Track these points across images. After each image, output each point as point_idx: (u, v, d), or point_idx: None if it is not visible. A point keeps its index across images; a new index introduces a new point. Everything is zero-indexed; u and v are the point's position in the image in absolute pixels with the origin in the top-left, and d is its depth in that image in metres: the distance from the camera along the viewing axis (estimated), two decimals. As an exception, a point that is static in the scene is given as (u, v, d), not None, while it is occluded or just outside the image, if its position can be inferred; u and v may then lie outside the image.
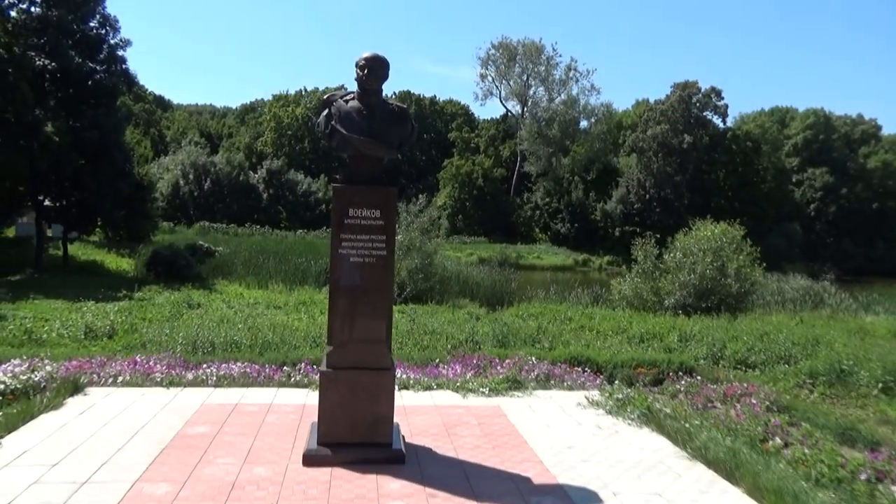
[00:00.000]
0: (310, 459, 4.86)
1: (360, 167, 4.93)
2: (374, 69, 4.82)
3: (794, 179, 70.54)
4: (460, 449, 5.51)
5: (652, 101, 68.04)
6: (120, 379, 7.19)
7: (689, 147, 61.43)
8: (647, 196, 62.55)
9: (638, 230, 59.80)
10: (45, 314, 13.21)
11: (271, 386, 7.37)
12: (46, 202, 25.82)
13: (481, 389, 7.16)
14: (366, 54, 4.88)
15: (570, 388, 7.54)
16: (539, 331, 12.31)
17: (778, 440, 6.37)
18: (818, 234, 67.99)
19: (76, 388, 6.85)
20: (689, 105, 62.98)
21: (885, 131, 75.08)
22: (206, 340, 9.89)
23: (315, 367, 8.32)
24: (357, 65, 4.87)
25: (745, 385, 8.62)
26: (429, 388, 7.24)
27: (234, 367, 7.86)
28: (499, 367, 8.31)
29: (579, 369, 8.90)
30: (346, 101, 4.93)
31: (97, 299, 15.95)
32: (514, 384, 7.26)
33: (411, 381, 7.22)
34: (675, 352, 12.47)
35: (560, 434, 6.09)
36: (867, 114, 76.30)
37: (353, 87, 5.07)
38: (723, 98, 64.21)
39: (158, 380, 7.22)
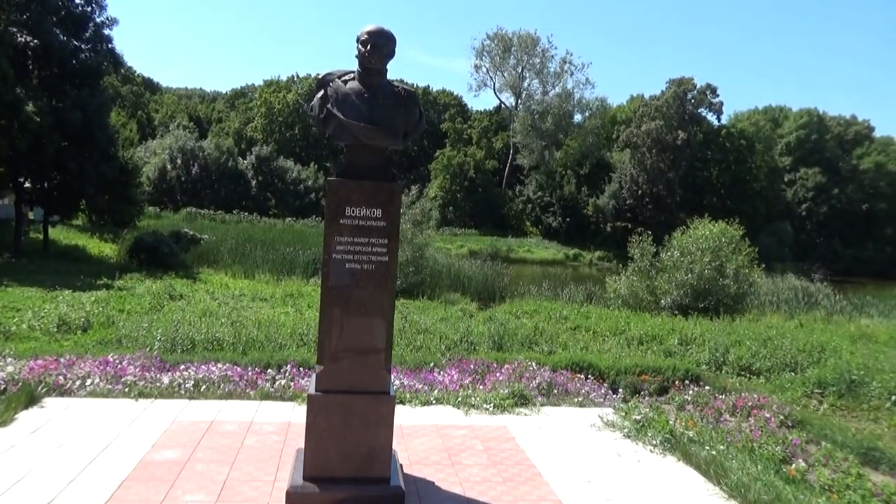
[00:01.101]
0: (294, 497, 4.20)
1: (359, 158, 4.28)
2: (378, 45, 4.16)
3: (786, 179, 70.53)
4: (466, 482, 4.91)
5: (647, 96, 67.63)
6: (88, 382, 6.60)
7: (682, 144, 61.14)
8: (640, 192, 62.25)
9: (630, 226, 60.07)
10: (18, 303, 12.55)
11: (253, 397, 6.73)
12: (27, 184, 25.00)
13: (485, 406, 6.58)
14: (369, 27, 4.23)
15: (581, 405, 6.99)
16: (536, 332, 11.84)
17: (801, 463, 5.93)
18: (808, 234, 68.08)
19: (31, 400, 6.09)
20: (684, 101, 62.64)
21: (878, 133, 75.23)
22: (186, 337, 9.32)
23: (301, 368, 7.79)
24: (358, 39, 4.22)
25: (756, 396, 8.19)
26: (427, 402, 6.67)
27: (214, 368, 7.30)
28: (498, 374, 7.82)
29: (581, 376, 8.43)
30: (345, 82, 4.28)
31: (75, 288, 15.31)
32: (521, 399, 6.69)
33: (407, 396, 6.57)
34: (675, 355, 12.08)
35: (577, 464, 5.48)
36: (860, 115, 76.03)
37: (352, 66, 4.42)
38: (718, 95, 64.02)
39: (130, 383, 6.62)
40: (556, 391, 7.37)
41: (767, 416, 7.43)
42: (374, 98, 4.23)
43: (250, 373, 7.36)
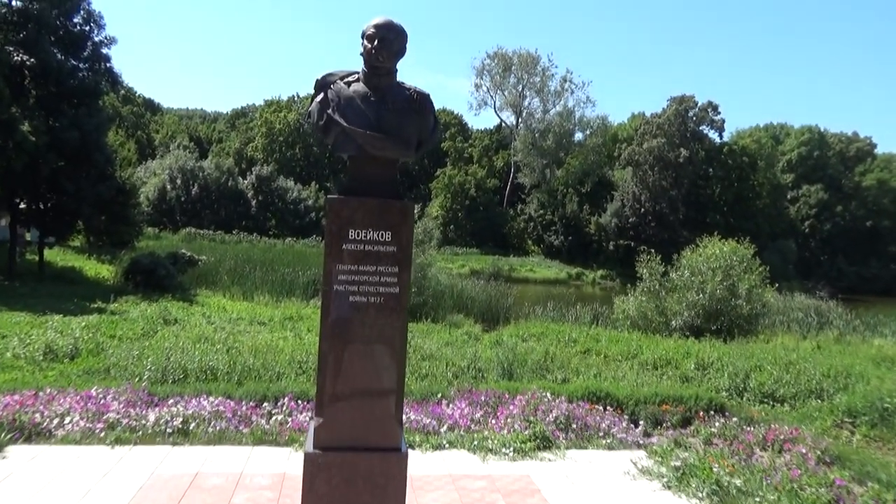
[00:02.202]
0: None
1: (365, 172, 3.68)
2: (387, 40, 3.58)
3: (788, 196, 70.22)
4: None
5: (648, 114, 67.51)
6: (67, 421, 6.06)
7: (685, 161, 60.87)
8: (643, 210, 61.87)
9: (632, 244, 59.63)
10: (4, 329, 12.02)
11: (245, 440, 6.12)
12: (22, 205, 24.58)
13: (504, 450, 5.96)
14: (376, 20, 3.66)
15: (609, 446, 6.41)
16: (546, 357, 11.29)
17: (851, 509, 5.38)
18: (812, 252, 67.62)
19: (-8, 449, 5.45)
20: (686, 119, 62.48)
21: (880, 150, 75.02)
22: (178, 366, 8.79)
23: (300, 401, 7.25)
24: (364, 34, 3.65)
25: (787, 429, 7.64)
26: (439, 446, 6.07)
27: (205, 403, 6.77)
28: (511, 407, 7.27)
29: (599, 407, 7.88)
30: (348, 84, 3.70)
31: (66, 312, 14.79)
32: (543, 441, 6.10)
33: (417, 440, 5.97)
34: (693, 381, 11.54)
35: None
36: (862, 132, 75.86)
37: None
38: (719, 112, 63.89)
39: (112, 421, 6.07)
40: (574, 426, 6.83)
41: (803, 451, 6.88)
42: (382, 102, 3.66)
43: (244, 407, 6.82)
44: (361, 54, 3.72)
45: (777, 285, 20.27)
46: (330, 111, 3.66)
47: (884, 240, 69.55)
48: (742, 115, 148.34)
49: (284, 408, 6.97)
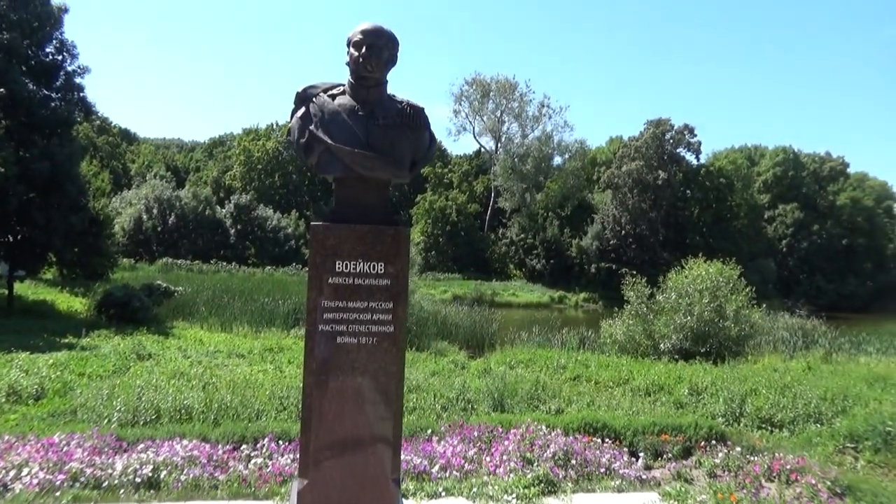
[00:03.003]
0: None
1: (353, 196, 3.23)
2: (376, 47, 3.19)
3: (765, 216, 71.07)
4: None
5: (625, 137, 68.22)
6: (25, 472, 5.54)
7: (663, 183, 61.38)
8: (623, 232, 62.12)
9: (614, 267, 59.79)
10: (-34, 369, 11.37)
11: (220, 493, 5.56)
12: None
13: (506, 497, 5.49)
14: (363, 25, 3.27)
15: (619, 489, 5.99)
16: (537, 386, 10.91)
17: (874, 547, 5.05)
18: (791, 270, 68.30)
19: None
20: (663, 142, 63.17)
21: (853, 169, 76.42)
22: (151, 406, 8.27)
23: (281, 441, 6.80)
24: (350, 42, 3.27)
25: (793, 458, 7.34)
26: (435, 494, 5.57)
27: (178, 447, 6.29)
28: (506, 442, 6.89)
29: (597, 439, 7.52)
30: (333, 97, 3.29)
31: (34, 349, 14.13)
32: (547, 486, 5.64)
33: (411, 488, 5.48)
34: (687, 407, 11.23)
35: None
36: (834, 152, 77.38)
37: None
38: (696, 135, 64.66)
39: (75, 472, 5.55)
40: (574, 461, 6.45)
41: (812, 481, 6.58)
42: (371, 116, 3.25)
43: (221, 451, 6.35)
44: (347, 63, 3.33)
45: (764, 305, 20.13)
46: (312, 127, 3.24)
47: (859, 257, 70.55)
48: (717, 137, 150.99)
49: (264, 450, 6.52)
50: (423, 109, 3.47)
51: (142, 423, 7.87)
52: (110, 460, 5.90)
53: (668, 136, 63.90)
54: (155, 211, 56.62)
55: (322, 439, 3.15)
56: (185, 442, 6.44)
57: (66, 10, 24.89)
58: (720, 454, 7.43)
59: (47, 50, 24.80)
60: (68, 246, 24.47)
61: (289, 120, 3.45)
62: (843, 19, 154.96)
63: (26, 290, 29.37)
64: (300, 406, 3.23)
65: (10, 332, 18.05)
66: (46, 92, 24.57)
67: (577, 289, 59.98)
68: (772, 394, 11.02)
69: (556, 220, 66.22)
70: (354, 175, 3.24)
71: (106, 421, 7.94)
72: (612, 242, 62.35)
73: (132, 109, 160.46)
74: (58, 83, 24.89)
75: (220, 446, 6.48)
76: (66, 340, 16.31)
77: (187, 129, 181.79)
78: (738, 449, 7.56)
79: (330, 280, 3.17)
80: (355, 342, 3.17)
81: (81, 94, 25.42)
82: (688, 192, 65.15)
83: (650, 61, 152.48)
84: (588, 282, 61.49)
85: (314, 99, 3.33)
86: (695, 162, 66.65)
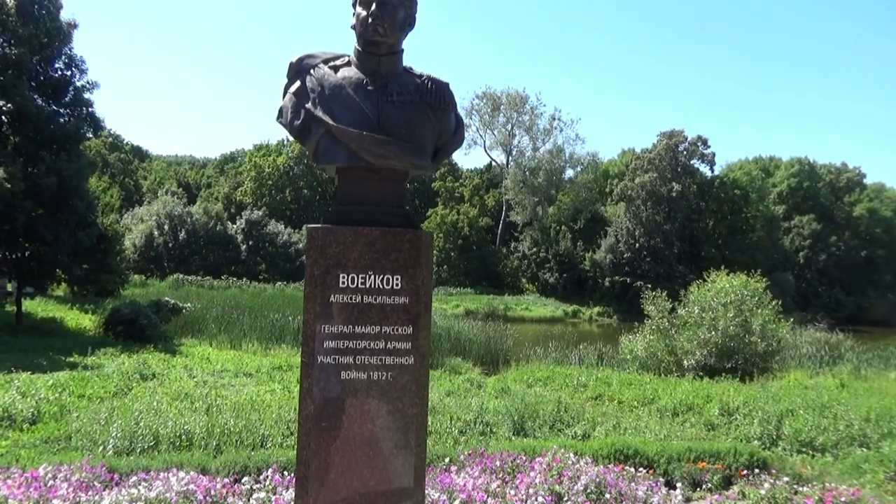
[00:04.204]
0: None
1: (362, 192, 2.56)
2: (388, 4, 2.52)
3: (781, 227, 70.01)
4: None
5: (638, 150, 67.57)
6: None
7: (677, 195, 60.62)
8: (637, 245, 61.29)
9: (628, 280, 58.92)
10: (-38, 391, 10.92)
11: None
12: (-2, 255, 23.56)
13: None
14: None
15: None
16: (559, 407, 10.30)
17: None
18: (809, 283, 67.05)
19: None
20: (676, 153, 62.45)
21: (869, 179, 75.31)
22: (149, 431, 7.75)
23: (286, 473, 6.24)
24: (356, 1, 2.61)
25: (846, 488, 6.69)
26: None
27: (173, 480, 5.74)
28: (531, 472, 6.30)
29: (630, 469, 6.91)
30: (336, 69, 2.62)
31: (36, 368, 13.69)
32: None
33: None
34: (719, 429, 10.59)
35: None
36: (850, 162, 76.34)
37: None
38: (709, 146, 63.89)
39: (57, 511, 5.04)
40: (608, 495, 5.85)
41: (874, 518, 5.94)
42: (383, 92, 2.58)
43: (219, 484, 5.80)
44: (353, 27, 2.69)
45: (791, 319, 19.41)
46: (310, 105, 2.57)
47: (879, 269, 69.24)
48: (731, 149, 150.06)
49: (268, 482, 5.97)
50: (447, 85, 2.74)
51: (138, 450, 7.36)
52: (98, 496, 5.36)
53: (681, 147, 63.20)
54: (166, 227, 56.56)
55: (322, 502, 2.46)
56: (181, 474, 5.90)
57: (75, 26, 24.81)
58: (766, 484, 6.79)
59: (56, 65, 24.71)
60: (76, 262, 24.18)
61: (283, 99, 2.73)
62: (857, 29, 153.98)
63: (36, 307, 29.12)
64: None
65: (16, 350, 17.67)
66: (55, 107, 24.43)
67: (590, 303, 59.15)
68: (810, 414, 10.35)
69: (569, 233, 65.53)
70: (362, 164, 2.53)
71: (101, 448, 7.45)
72: (626, 255, 61.50)
73: (144, 127, 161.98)
74: (66, 98, 24.76)
75: (219, 479, 5.93)
76: (71, 359, 15.88)
77: (199, 146, 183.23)
78: (786, 479, 6.91)
79: (332, 298, 2.48)
80: (365, 378, 2.46)
81: (90, 110, 25.28)
82: (702, 204, 64.30)
83: (662, 73, 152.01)
84: (602, 296, 60.63)
85: (312, 71, 2.65)
86: (709, 173, 65.87)
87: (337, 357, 2.44)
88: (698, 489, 7.02)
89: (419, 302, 2.51)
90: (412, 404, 2.53)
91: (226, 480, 5.90)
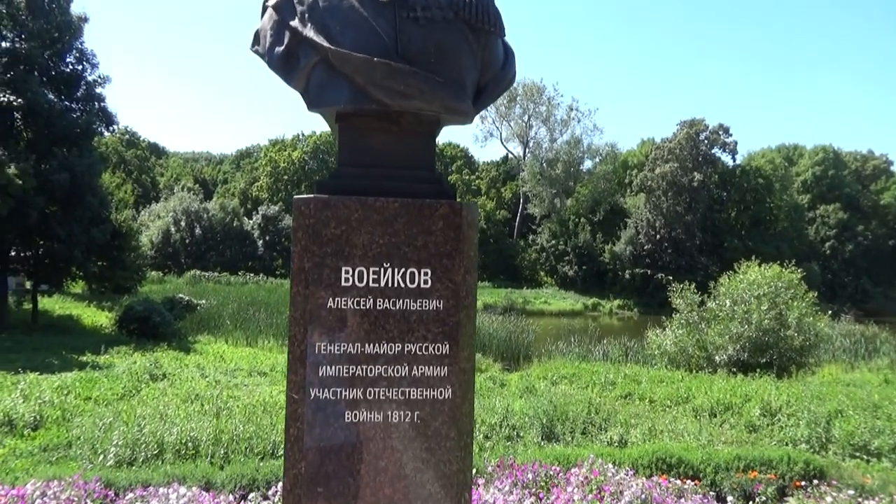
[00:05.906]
0: None
1: (373, 147, 1.70)
2: None
3: (806, 217, 68.45)
4: None
5: (658, 139, 66.33)
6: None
7: (698, 185, 59.40)
8: (658, 236, 60.17)
9: (649, 272, 57.89)
10: (-35, 394, 10.53)
11: None
12: (11, 252, 23.35)
13: None
14: None
15: None
16: (590, 408, 9.66)
17: None
18: (835, 274, 65.49)
19: None
20: (697, 143, 61.17)
21: (897, 167, 73.31)
22: (153, 438, 7.25)
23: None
24: None
25: (919, 501, 6.01)
26: None
27: (174, 496, 5.21)
28: (568, 486, 5.68)
29: (675, 480, 6.26)
30: None
31: (46, 368, 13.32)
32: None
33: None
34: (762, 431, 9.91)
35: None
36: (877, 150, 74.44)
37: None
38: (731, 135, 62.46)
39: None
40: (657, 515, 5.23)
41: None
42: (402, 5, 1.74)
43: (224, 502, 5.26)
44: None
45: (829, 312, 18.56)
46: (297, 23, 1.72)
47: (907, 259, 67.52)
48: (753, 137, 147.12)
49: (276, 498, 5.42)
50: (492, 2, 1.96)
51: (140, 460, 6.86)
52: (87, 518, 4.83)
53: (702, 136, 61.89)
54: (183, 223, 56.53)
55: None
56: (182, 490, 5.36)
57: (85, 20, 24.49)
58: (828, 498, 6.12)
59: (67, 60, 24.41)
60: (91, 259, 23.91)
61: (261, 22, 1.89)
62: (882, 13, 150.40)
63: (53, 304, 28.99)
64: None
65: (28, 349, 17.38)
66: (66, 102, 24.15)
67: (610, 296, 58.24)
68: (860, 415, 9.61)
69: (588, 225, 64.54)
70: (374, 107, 1.67)
71: (101, 457, 6.95)
72: (646, 247, 60.43)
73: (161, 124, 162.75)
74: (78, 93, 24.46)
75: (223, 496, 5.39)
76: (83, 358, 15.53)
77: (216, 142, 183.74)
78: (850, 492, 6.24)
79: (331, 304, 1.59)
80: (380, 421, 1.59)
81: (102, 104, 24.98)
82: (724, 193, 62.97)
83: (682, 61, 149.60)
84: (622, 288, 59.66)
85: None
86: (731, 163, 64.46)
87: (339, 390, 1.57)
88: (751, 502, 6.37)
89: (459, 307, 1.67)
90: (451, 459, 1.77)
91: (231, 498, 5.36)
